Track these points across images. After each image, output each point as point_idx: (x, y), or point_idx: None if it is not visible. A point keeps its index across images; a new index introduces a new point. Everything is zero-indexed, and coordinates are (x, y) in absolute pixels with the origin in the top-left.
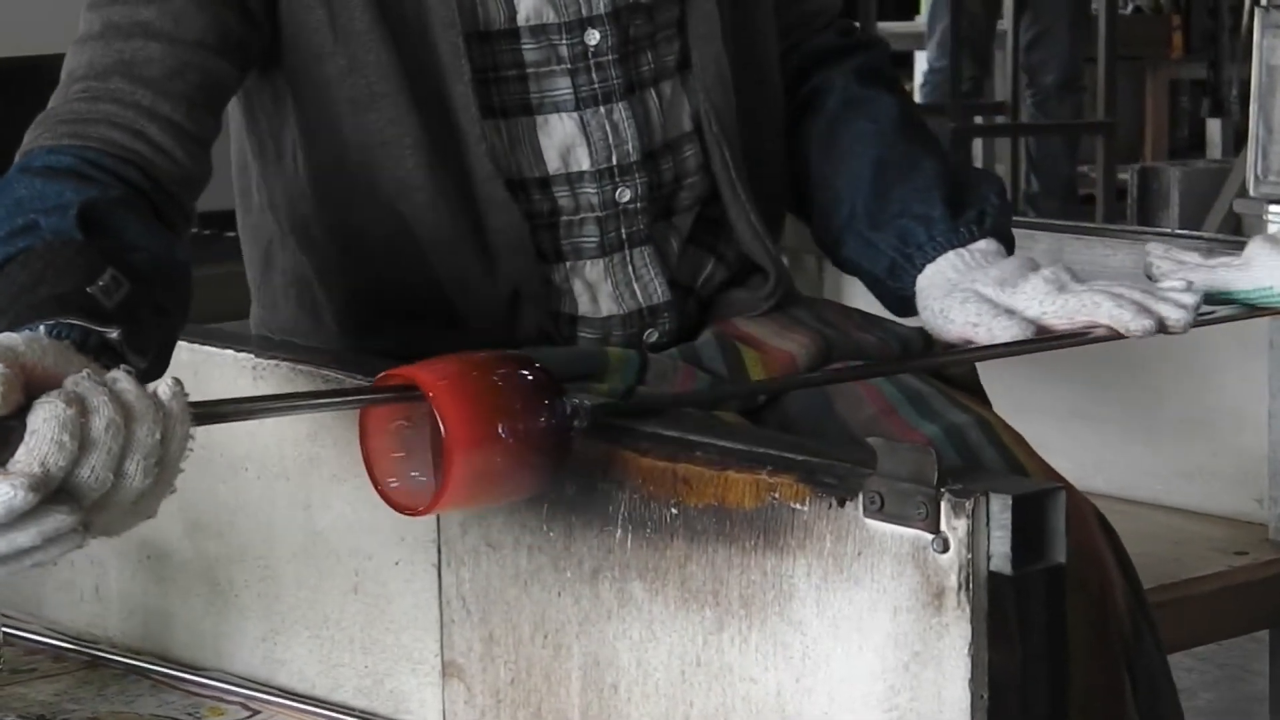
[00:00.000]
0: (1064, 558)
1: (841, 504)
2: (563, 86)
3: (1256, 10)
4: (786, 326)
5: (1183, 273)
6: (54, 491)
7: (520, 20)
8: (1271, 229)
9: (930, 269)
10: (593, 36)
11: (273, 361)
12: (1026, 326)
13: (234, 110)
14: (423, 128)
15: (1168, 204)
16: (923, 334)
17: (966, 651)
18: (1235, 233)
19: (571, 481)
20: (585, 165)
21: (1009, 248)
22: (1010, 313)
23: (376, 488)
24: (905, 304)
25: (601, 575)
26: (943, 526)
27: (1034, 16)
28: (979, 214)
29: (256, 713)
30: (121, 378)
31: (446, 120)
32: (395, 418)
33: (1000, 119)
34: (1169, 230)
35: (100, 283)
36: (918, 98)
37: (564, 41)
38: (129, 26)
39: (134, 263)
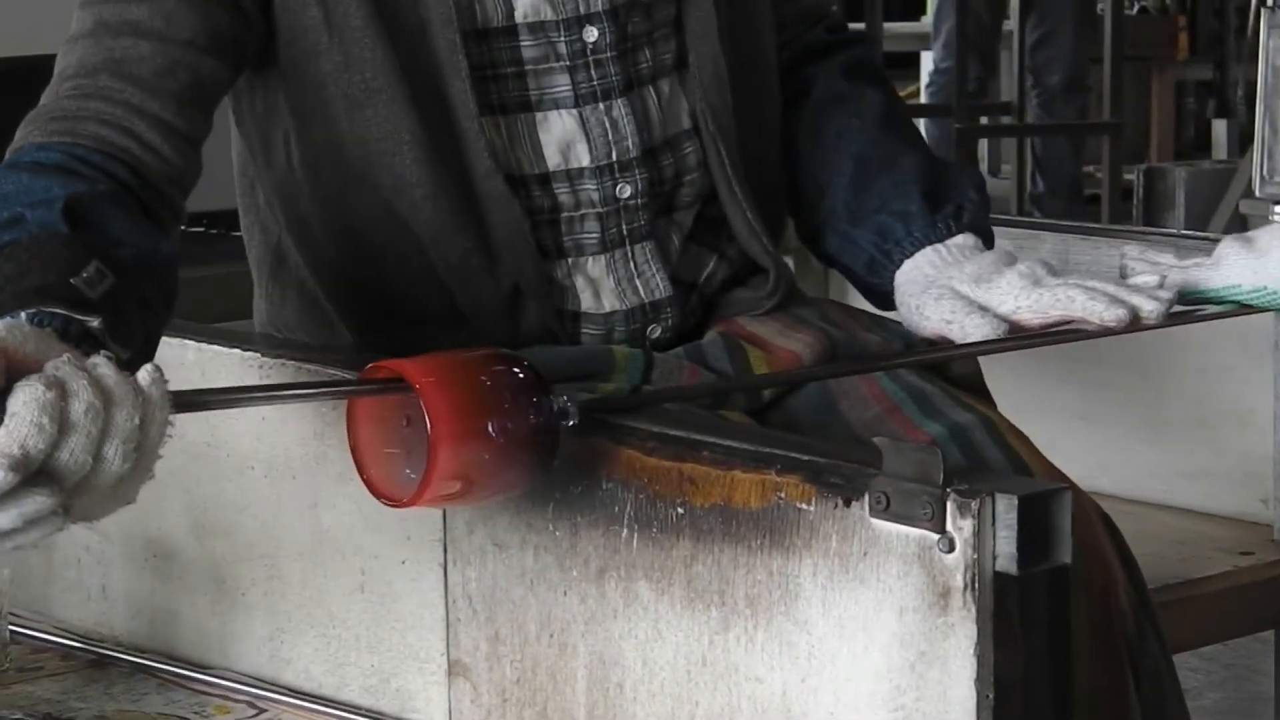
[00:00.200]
0: (1069, 558)
1: (847, 504)
2: (562, 83)
3: (1263, 11)
4: (791, 326)
5: (1159, 274)
6: (34, 474)
7: (518, 17)
8: None
9: (908, 265)
10: (591, 33)
11: (279, 360)
12: (999, 324)
13: (235, 108)
14: (420, 124)
15: (1173, 205)
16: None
17: (972, 651)
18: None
19: (577, 481)
20: (585, 161)
21: (987, 242)
22: (984, 310)
23: (362, 476)
24: (886, 299)
25: (607, 574)
26: (948, 526)
27: (1039, 17)
28: (956, 209)
29: (263, 711)
30: (102, 363)
31: (444, 117)
32: (383, 409)
33: (1006, 119)
34: (1174, 231)
35: (84, 275)
36: (923, 98)
37: (562, 39)
38: (119, 25)
39: (118, 257)
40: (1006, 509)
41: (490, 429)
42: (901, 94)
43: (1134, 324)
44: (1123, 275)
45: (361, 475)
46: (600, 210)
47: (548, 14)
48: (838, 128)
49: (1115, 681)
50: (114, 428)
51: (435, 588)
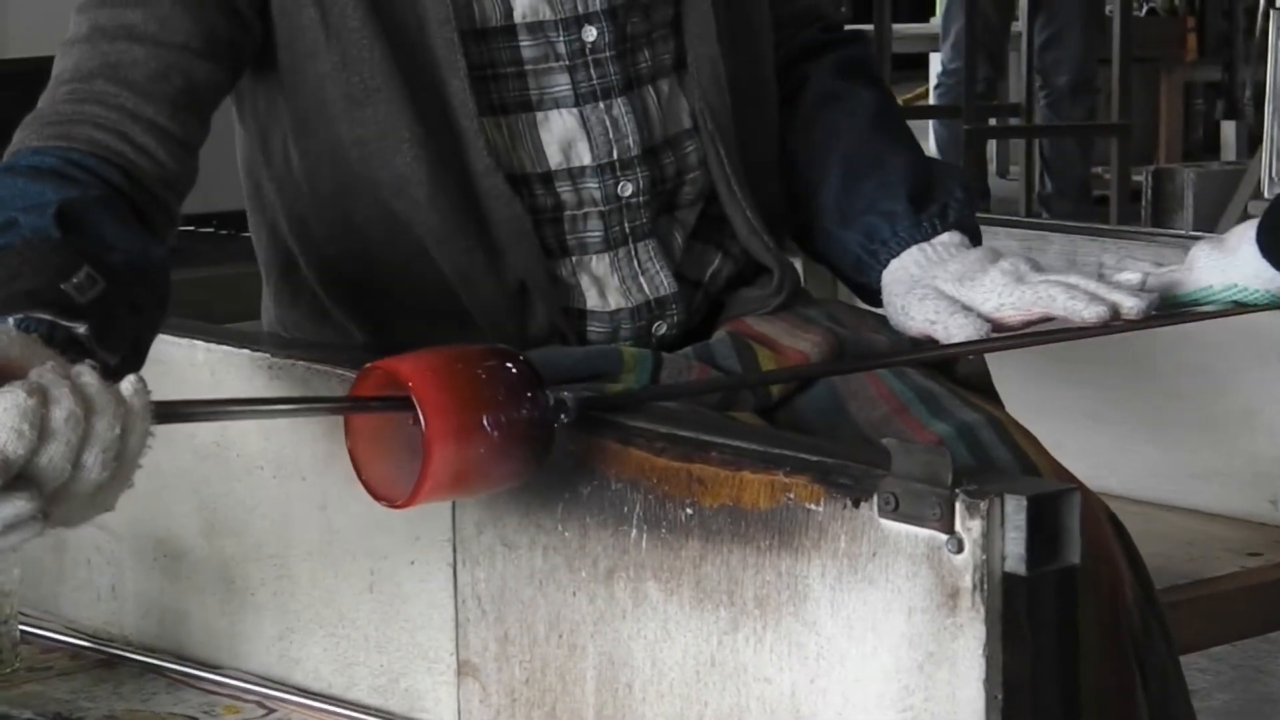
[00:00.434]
0: (1078, 558)
1: (856, 505)
2: (562, 83)
3: (1271, 13)
4: (799, 326)
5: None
6: (14, 479)
7: (516, 17)
8: None
9: (894, 264)
10: (590, 33)
11: (289, 361)
12: (982, 324)
13: (237, 110)
14: (420, 123)
15: (1182, 206)
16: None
17: (981, 652)
18: None
19: (586, 481)
20: (586, 160)
21: (974, 240)
22: (968, 310)
23: (360, 477)
24: (875, 298)
25: (616, 575)
26: (957, 527)
27: (1048, 18)
28: (942, 208)
29: (272, 711)
30: (85, 372)
31: (444, 116)
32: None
33: (1014, 121)
34: (1183, 232)
35: (75, 280)
36: (932, 99)
37: (561, 38)
38: (114, 29)
39: (110, 261)
40: (1015, 509)
41: (485, 424)
42: (910, 95)
43: (1114, 321)
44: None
45: (359, 476)
46: (602, 209)
47: (546, 14)
48: (829, 127)
49: (1122, 681)
50: (94, 436)
51: (444, 588)
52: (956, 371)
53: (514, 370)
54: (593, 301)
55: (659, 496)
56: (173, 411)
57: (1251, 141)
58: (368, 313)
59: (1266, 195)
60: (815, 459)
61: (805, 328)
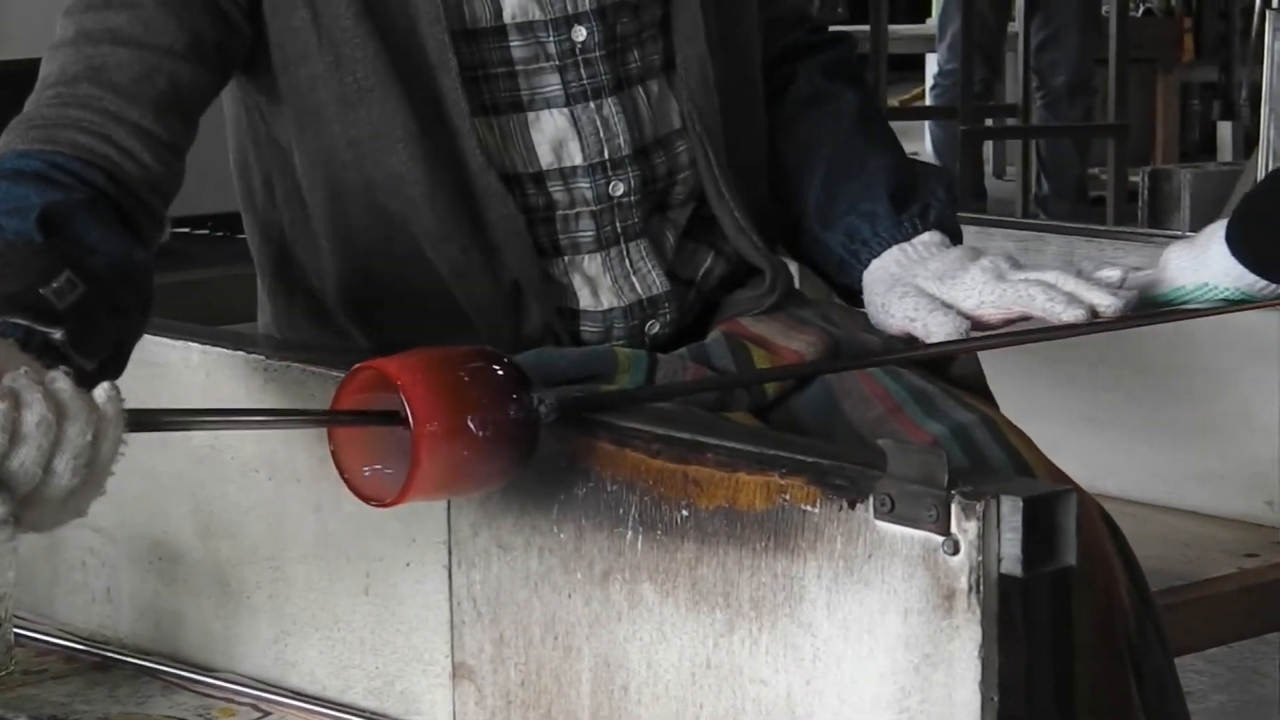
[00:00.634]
0: (1074, 559)
1: (852, 506)
2: (552, 83)
3: (1268, 13)
4: (793, 326)
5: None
6: None
7: (506, 18)
8: None
9: (875, 264)
10: (579, 33)
11: (284, 363)
12: (961, 321)
13: (230, 111)
14: (414, 122)
15: (1178, 206)
16: None
17: (977, 654)
18: None
19: (582, 483)
20: (578, 160)
21: (955, 239)
22: (947, 307)
23: (343, 476)
24: (858, 299)
25: (612, 577)
26: (953, 529)
27: (1044, 19)
28: (923, 208)
29: (267, 714)
30: (59, 377)
31: (437, 115)
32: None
33: (1011, 121)
34: (1179, 233)
35: (54, 284)
36: (928, 100)
37: (551, 38)
38: (99, 33)
39: (92, 265)
40: (1011, 511)
41: (471, 425)
42: (906, 96)
43: (1092, 320)
44: None
45: (342, 476)
46: (594, 208)
47: (536, 14)
48: (813, 128)
49: (1117, 682)
50: (65, 442)
51: (440, 590)
52: (951, 372)
53: (500, 371)
54: (585, 301)
55: (655, 498)
56: (146, 419)
57: (1248, 142)
58: (365, 313)
59: None
60: (811, 460)
61: (800, 328)
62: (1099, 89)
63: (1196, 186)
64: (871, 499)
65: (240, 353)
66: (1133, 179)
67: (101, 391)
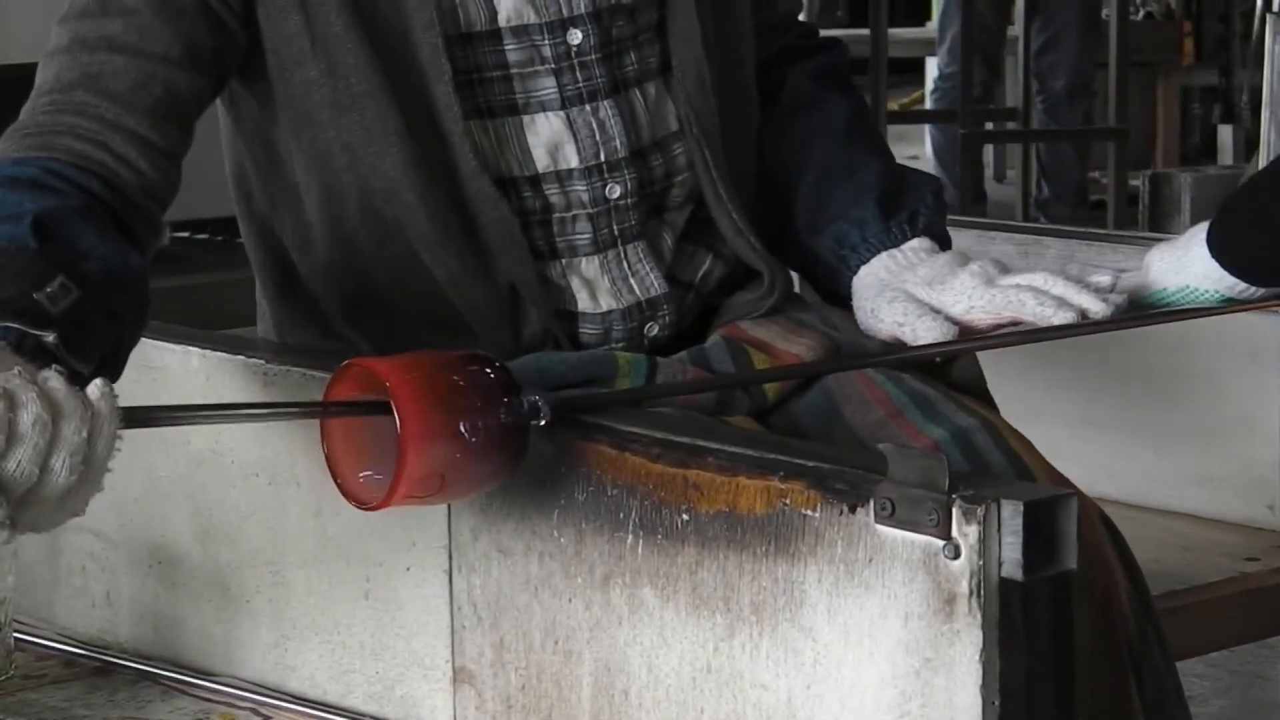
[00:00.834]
0: (1075, 563)
1: (853, 510)
2: (548, 86)
3: (1268, 17)
4: (793, 330)
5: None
6: None
7: (501, 21)
8: None
9: (864, 270)
10: (575, 36)
11: (284, 368)
12: (949, 326)
13: (225, 118)
14: (406, 127)
15: (1179, 210)
16: None
17: (978, 658)
18: None
19: (582, 488)
20: (574, 163)
21: (943, 246)
22: (936, 312)
23: (335, 480)
24: (848, 306)
25: (612, 581)
26: (954, 533)
27: (1044, 22)
28: (911, 214)
29: (268, 718)
30: (52, 377)
31: (430, 120)
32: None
33: (1011, 125)
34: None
35: (48, 289)
36: (928, 103)
37: (546, 41)
38: (95, 40)
39: (86, 270)
40: (1012, 515)
41: (461, 429)
42: (906, 99)
43: (1083, 321)
44: None
45: (335, 480)
46: (590, 211)
47: (530, 17)
48: (803, 133)
49: (1118, 685)
50: (61, 440)
51: (440, 594)
52: (951, 376)
53: (488, 374)
54: (584, 303)
55: (655, 502)
56: (140, 416)
57: (1249, 146)
58: (362, 318)
59: None
60: (811, 464)
61: (800, 331)
62: (1099, 92)
63: (1197, 190)
64: (872, 503)
65: (240, 357)
66: (1133, 183)
67: (95, 389)
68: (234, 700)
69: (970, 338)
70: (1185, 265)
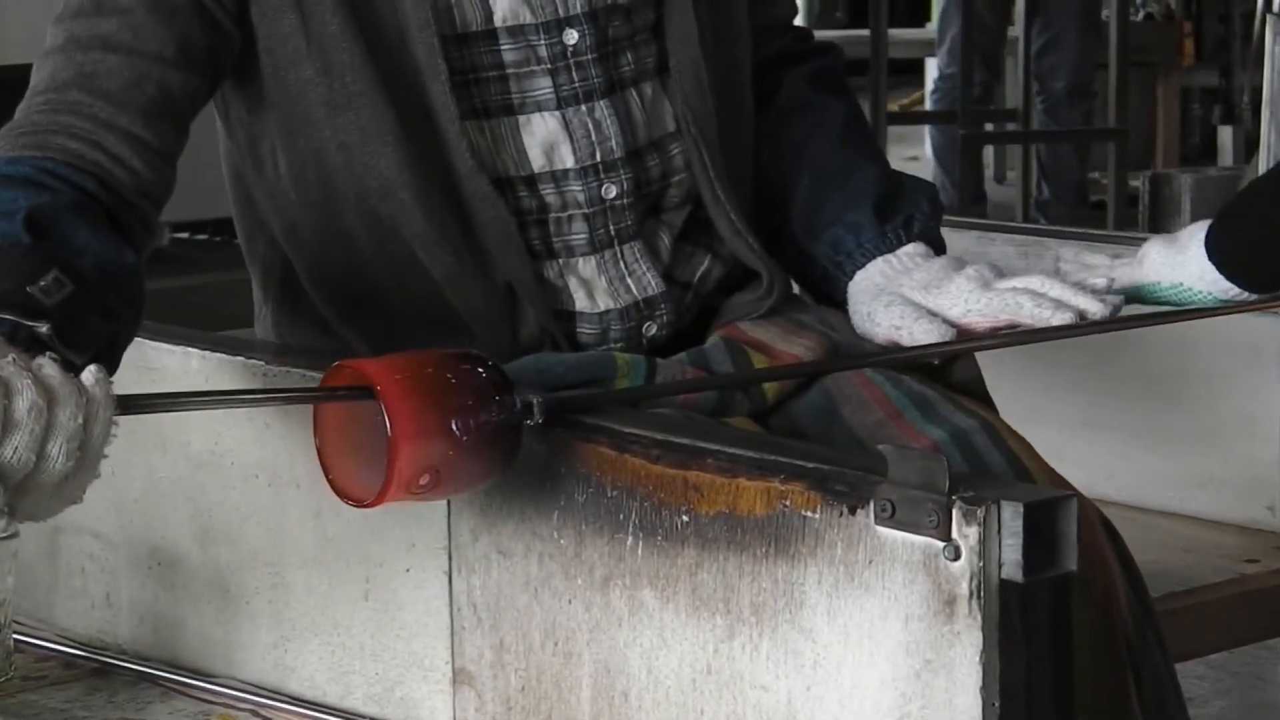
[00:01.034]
0: (1075, 565)
1: (853, 511)
2: (543, 86)
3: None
4: (792, 331)
5: (1089, 273)
6: None
7: (497, 21)
8: None
9: (860, 275)
10: (571, 36)
11: (283, 369)
12: (947, 329)
13: (220, 118)
14: (402, 127)
15: (1179, 211)
16: None
17: (978, 659)
18: None
19: (582, 489)
20: (569, 163)
21: (938, 251)
22: (933, 315)
23: (327, 477)
24: (842, 309)
25: (612, 583)
26: (954, 534)
27: (1044, 23)
28: (906, 219)
29: (267, 719)
30: (46, 364)
31: (426, 120)
32: (350, 410)
33: (1011, 126)
34: None
35: (42, 283)
36: (928, 104)
37: (542, 42)
38: (89, 40)
39: (79, 266)
40: (1012, 516)
41: (452, 427)
42: (906, 100)
43: (1081, 323)
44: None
45: (326, 476)
46: (586, 211)
47: (526, 17)
48: (799, 138)
49: (1117, 687)
50: (57, 426)
51: (440, 595)
52: (951, 377)
53: (480, 372)
54: (581, 303)
55: (655, 504)
56: (136, 402)
57: (1249, 146)
58: (361, 317)
59: None
60: (811, 466)
61: (799, 332)
62: (1099, 93)
63: (1197, 191)
64: (872, 504)
65: (239, 358)
66: (1133, 183)
67: (89, 375)
68: (233, 701)
69: (968, 339)
70: (1181, 264)
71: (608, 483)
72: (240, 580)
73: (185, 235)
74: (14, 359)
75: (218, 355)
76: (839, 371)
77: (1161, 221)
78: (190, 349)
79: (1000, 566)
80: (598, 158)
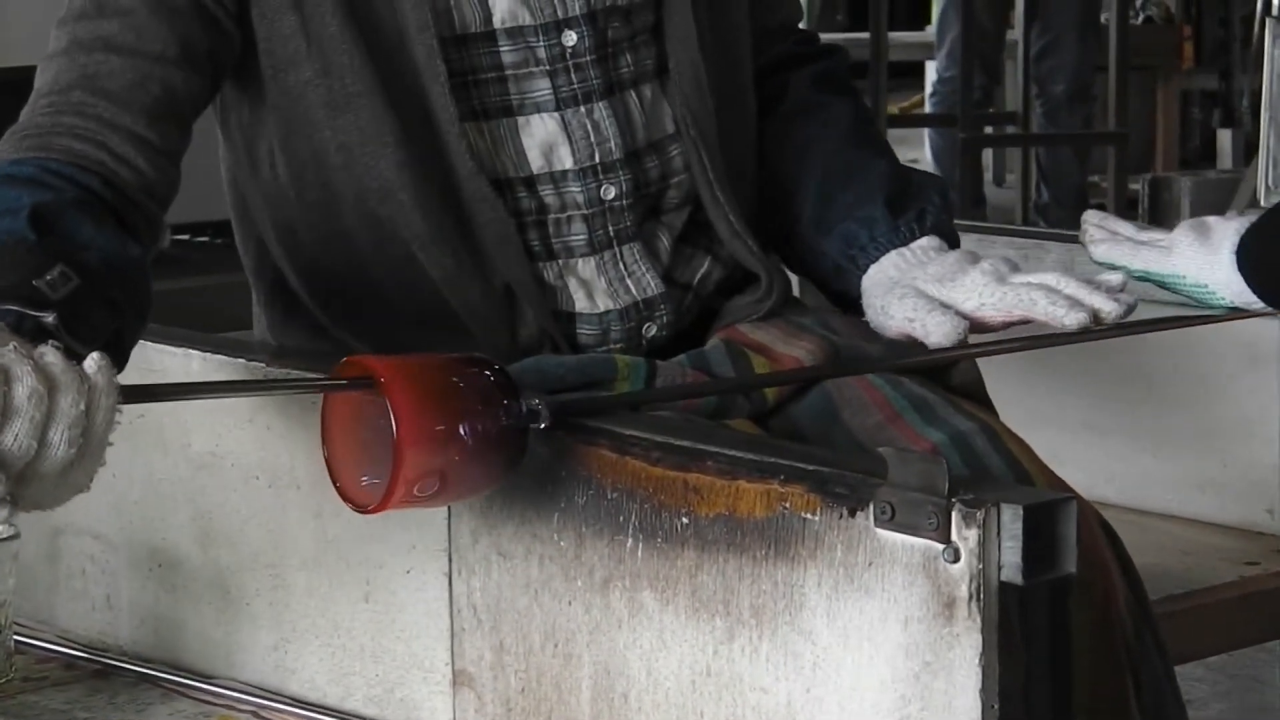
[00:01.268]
0: (1074, 568)
1: (852, 514)
2: (542, 87)
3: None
4: (792, 333)
5: (1112, 245)
6: None
7: (496, 23)
8: None
9: (873, 269)
10: (570, 38)
11: (284, 370)
12: (960, 322)
13: (219, 120)
14: (401, 128)
15: (1179, 214)
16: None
17: (977, 662)
18: None
19: (582, 491)
20: (568, 164)
21: (951, 245)
22: (946, 308)
23: (335, 484)
24: (854, 305)
25: (612, 584)
26: (954, 536)
27: (1044, 26)
28: (919, 213)
29: None
30: (48, 351)
31: (425, 121)
32: (356, 414)
33: (1010, 129)
34: None
35: (48, 277)
36: (928, 107)
37: (541, 43)
38: (91, 41)
39: (85, 261)
40: (1012, 519)
41: (459, 431)
42: (906, 103)
43: (1094, 325)
44: (1082, 241)
45: (334, 483)
46: (585, 212)
47: (525, 19)
48: (806, 138)
49: (1116, 689)
50: (58, 413)
51: (440, 597)
52: (951, 380)
53: (487, 376)
54: (581, 304)
55: (655, 506)
56: (139, 391)
57: (1248, 150)
58: (360, 318)
59: (1263, 203)
60: (811, 468)
61: (799, 335)
62: (1099, 96)
63: (1197, 194)
64: (872, 507)
65: (240, 360)
66: (1133, 187)
67: (91, 362)
68: (234, 703)
69: (974, 344)
70: (1211, 265)
71: (608, 485)
72: (241, 582)
73: (186, 237)
74: (15, 346)
75: (218, 357)
76: (841, 376)
77: (1161, 224)
78: (191, 351)
79: (1000, 569)
80: (597, 159)
